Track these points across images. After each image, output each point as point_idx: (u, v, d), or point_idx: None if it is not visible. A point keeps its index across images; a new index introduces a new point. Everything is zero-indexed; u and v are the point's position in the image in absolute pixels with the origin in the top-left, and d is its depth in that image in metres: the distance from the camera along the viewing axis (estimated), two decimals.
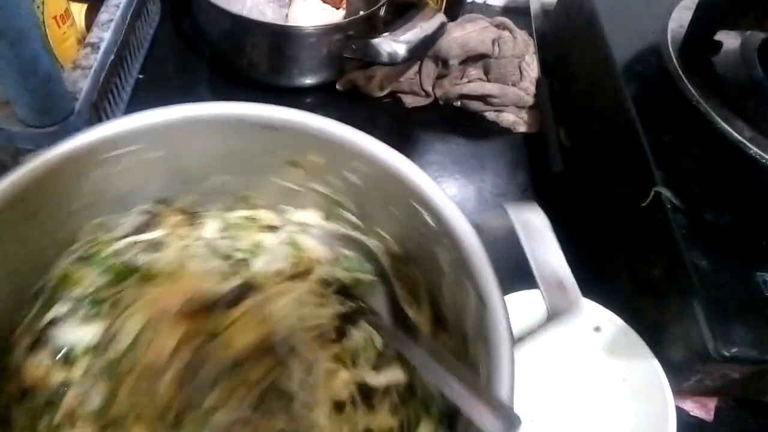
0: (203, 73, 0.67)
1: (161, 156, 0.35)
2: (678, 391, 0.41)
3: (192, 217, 0.40)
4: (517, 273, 0.52)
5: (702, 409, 0.45)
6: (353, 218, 0.39)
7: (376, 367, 0.34)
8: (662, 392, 0.40)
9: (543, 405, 0.43)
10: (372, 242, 0.38)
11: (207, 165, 0.38)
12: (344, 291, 0.37)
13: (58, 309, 0.34)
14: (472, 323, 0.31)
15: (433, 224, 0.32)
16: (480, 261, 0.30)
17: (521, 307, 0.43)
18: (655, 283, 0.42)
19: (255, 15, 0.66)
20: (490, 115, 0.64)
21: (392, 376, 0.33)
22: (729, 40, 0.51)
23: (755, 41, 0.51)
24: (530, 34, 0.68)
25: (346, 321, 0.36)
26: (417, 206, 0.33)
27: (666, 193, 0.41)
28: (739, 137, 0.44)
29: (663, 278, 0.41)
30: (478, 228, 0.31)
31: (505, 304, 0.29)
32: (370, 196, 0.36)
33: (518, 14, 0.72)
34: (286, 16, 0.68)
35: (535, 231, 0.31)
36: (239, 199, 0.40)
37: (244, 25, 0.58)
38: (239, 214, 0.40)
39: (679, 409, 0.43)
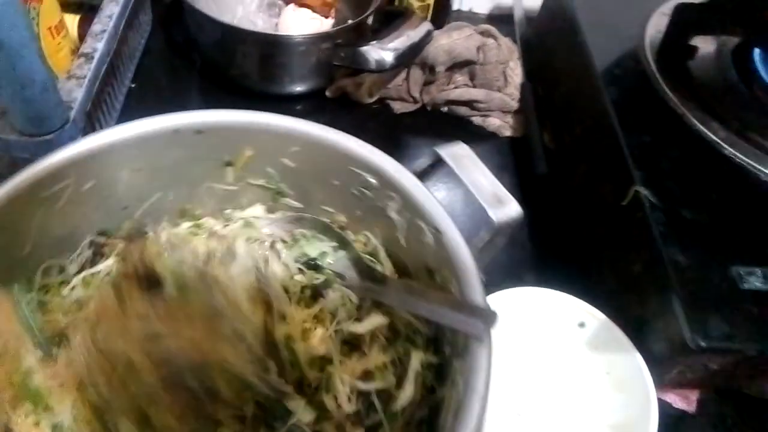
0: (195, 82, 0.68)
1: (93, 186, 0.35)
2: (660, 384, 0.42)
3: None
4: (504, 273, 0.54)
5: (684, 401, 0.47)
6: (295, 203, 0.40)
7: (358, 318, 0.36)
8: (644, 385, 0.41)
9: (529, 399, 0.44)
10: (322, 219, 0.40)
11: (142, 185, 0.38)
12: (312, 266, 0.39)
13: (32, 357, 0.34)
14: (433, 256, 0.33)
15: (375, 182, 0.35)
16: (427, 198, 0.33)
17: (510, 304, 0.44)
18: (636, 279, 0.44)
19: (245, 24, 0.68)
20: (477, 119, 0.65)
21: (374, 321, 0.36)
22: (704, 44, 0.53)
23: (729, 45, 0.53)
24: (514, 41, 0.69)
25: (319, 289, 0.38)
26: (357, 170, 0.35)
27: (644, 192, 0.43)
28: (714, 137, 0.45)
29: (643, 274, 0.43)
30: (419, 175, 0.34)
31: (456, 227, 0.32)
32: (309, 175, 0.38)
33: (502, 21, 0.74)
34: (276, 25, 0.69)
35: (465, 160, 0.35)
36: (181, 213, 0.41)
37: (235, 35, 0.60)
38: (185, 227, 0.41)
39: (662, 402, 0.44)
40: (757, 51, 0.50)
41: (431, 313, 0.31)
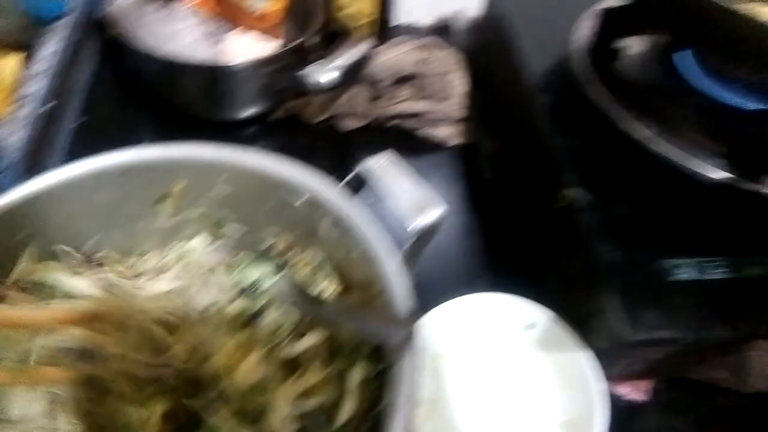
0: (144, 113, 0.68)
1: (25, 236, 0.35)
2: (611, 377, 0.44)
3: None
4: (456, 280, 0.55)
5: (636, 392, 0.48)
6: (237, 228, 0.41)
7: (297, 336, 0.37)
8: (590, 381, 0.42)
9: (484, 403, 0.45)
10: (264, 241, 0.41)
11: (78, 229, 0.38)
12: (252, 289, 0.40)
13: None
14: (364, 269, 0.34)
15: (304, 201, 0.36)
16: (352, 213, 0.35)
17: (462, 311, 0.45)
18: (576, 278, 0.45)
19: (187, 53, 0.68)
20: (425, 131, 0.67)
21: (312, 338, 0.36)
22: (632, 46, 0.55)
23: (655, 47, 0.55)
24: (457, 51, 0.71)
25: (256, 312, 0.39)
26: (285, 191, 0.37)
27: (575, 194, 0.44)
28: (642, 136, 0.47)
29: (582, 273, 0.44)
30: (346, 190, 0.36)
31: (381, 239, 0.34)
32: (245, 200, 0.39)
33: (446, 33, 0.76)
34: (220, 51, 0.70)
35: (389, 170, 0.37)
36: (124, 253, 0.41)
37: (174, 67, 0.60)
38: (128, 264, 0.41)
39: (614, 395, 0.46)
40: (678, 52, 0.52)
41: (360, 328, 0.33)
